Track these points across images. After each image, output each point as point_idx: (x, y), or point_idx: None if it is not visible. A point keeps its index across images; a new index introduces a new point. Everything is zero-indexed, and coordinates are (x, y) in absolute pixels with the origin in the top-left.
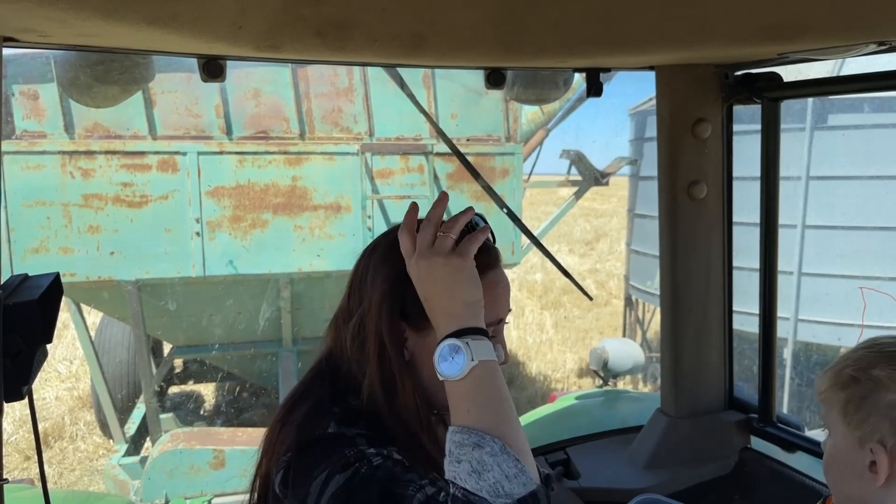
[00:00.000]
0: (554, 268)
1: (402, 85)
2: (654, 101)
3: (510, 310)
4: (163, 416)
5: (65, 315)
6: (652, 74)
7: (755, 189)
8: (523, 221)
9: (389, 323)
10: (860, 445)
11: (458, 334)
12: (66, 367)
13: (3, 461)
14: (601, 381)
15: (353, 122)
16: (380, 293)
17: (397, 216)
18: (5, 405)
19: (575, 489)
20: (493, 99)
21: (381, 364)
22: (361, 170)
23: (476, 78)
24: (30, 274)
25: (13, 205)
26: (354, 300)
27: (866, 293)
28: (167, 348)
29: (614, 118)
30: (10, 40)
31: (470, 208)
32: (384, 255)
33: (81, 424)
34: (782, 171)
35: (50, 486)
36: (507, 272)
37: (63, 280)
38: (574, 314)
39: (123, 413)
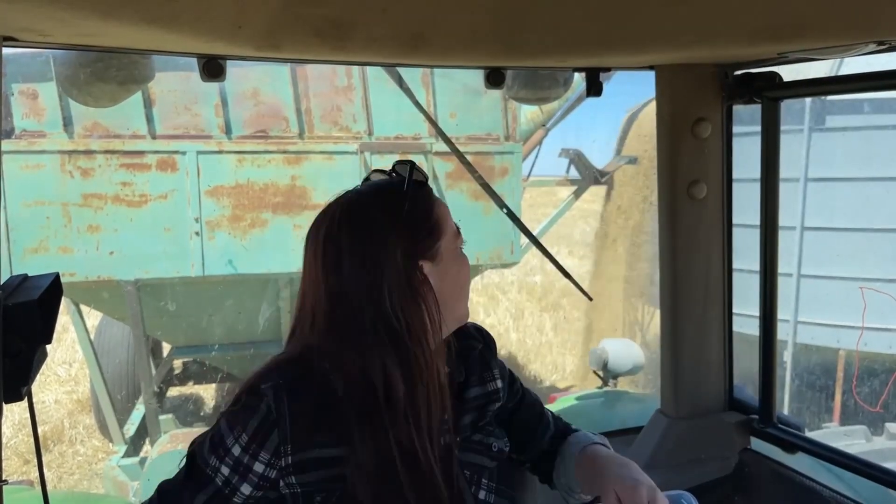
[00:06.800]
0: (554, 269)
1: (401, 84)
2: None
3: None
4: (162, 416)
5: (64, 318)
6: (651, 74)
7: (755, 190)
8: (522, 221)
9: (415, 274)
10: None
11: None
12: (66, 370)
13: (3, 464)
14: (601, 382)
15: (352, 121)
16: (397, 255)
17: None
18: (5, 406)
19: None
20: (493, 98)
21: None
22: (361, 169)
23: (475, 77)
24: (29, 274)
25: (12, 204)
26: (357, 280)
27: (866, 294)
28: (166, 349)
29: (614, 117)
30: (9, 39)
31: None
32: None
33: (81, 428)
34: (782, 173)
35: (49, 488)
36: (507, 272)
37: (62, 280)
38: (574, 316)
39: (123, 414)
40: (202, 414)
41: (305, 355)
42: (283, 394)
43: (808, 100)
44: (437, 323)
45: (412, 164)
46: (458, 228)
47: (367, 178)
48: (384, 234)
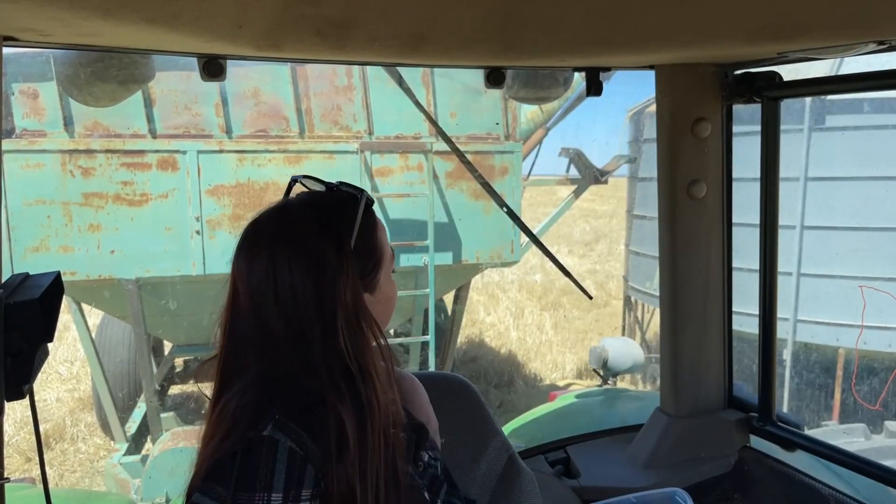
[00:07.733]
0: (554, 268)
1: (401, 84)
2: (652, 102)
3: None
4: (163, 414)
5: (65, 317)
6: (651, 74)
7: (755, 189)
8: (523, 220)
9: (363, 308)
10: None
11: None
12: (67, 368)
13: (4, 462)
14: (601, 381)
15: (352, 120)
16: (345, 280)
17: (397, 214)
18: (6, 404)
19: (575, 488)
20: (493, 97)
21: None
22: (361, 168)
23: (475, 76)
24: (30, 273)
25: (13, 204)
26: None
27: (865, 293)
28: (168, 347)
29: (614, 117)
30: (10, 39)
31: None
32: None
33: (82, 426)
34: (781, 172)
35: (50, 486)
36: (507, 271)
37: (63, 279)
38: (573, 315)
39: (124, 412)
40: (203, 412)
41: (275, 378)
42: (292, 424)
43: (807, 99)
44: (387, 355)
45: (364, 193)
46: (393, 252)
47: (290, 190)
48: (335, 273)
